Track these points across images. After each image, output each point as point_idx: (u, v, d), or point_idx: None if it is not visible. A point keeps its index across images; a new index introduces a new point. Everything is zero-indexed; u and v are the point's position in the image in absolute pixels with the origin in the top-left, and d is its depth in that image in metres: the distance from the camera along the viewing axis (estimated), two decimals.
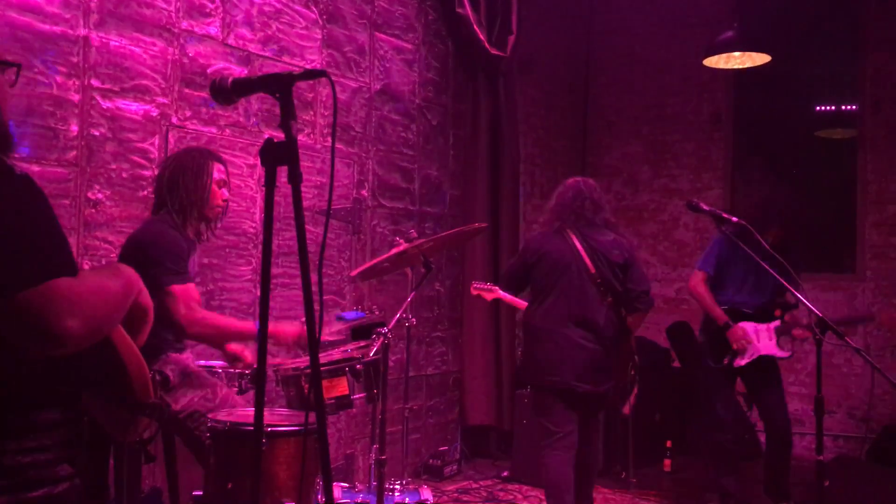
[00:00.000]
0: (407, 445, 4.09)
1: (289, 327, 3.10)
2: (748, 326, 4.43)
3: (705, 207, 4.00)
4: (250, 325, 3.09)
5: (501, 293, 4.50)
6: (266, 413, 2.18)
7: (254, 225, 4.31)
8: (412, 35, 5.45)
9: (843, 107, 6.81)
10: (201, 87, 4.00)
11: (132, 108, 3.74)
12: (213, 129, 4.11)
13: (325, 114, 4.71)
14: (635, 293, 3.97)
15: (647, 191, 7.35)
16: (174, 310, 2.87)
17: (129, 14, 3.72)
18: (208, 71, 4.06)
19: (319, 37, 4.73)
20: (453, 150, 5.85)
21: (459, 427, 5.85)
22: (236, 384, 3.29)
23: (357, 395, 3.14)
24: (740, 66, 5.82)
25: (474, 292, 4.66)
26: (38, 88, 3.37)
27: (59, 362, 1.40)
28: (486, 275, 5.57)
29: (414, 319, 3.72)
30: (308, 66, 4.57)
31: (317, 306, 1.73)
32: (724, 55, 5.59)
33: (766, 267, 3.68)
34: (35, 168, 3.33)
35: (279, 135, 1.72)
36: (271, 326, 2.74)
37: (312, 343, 1.77)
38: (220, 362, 3.61)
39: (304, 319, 3.15)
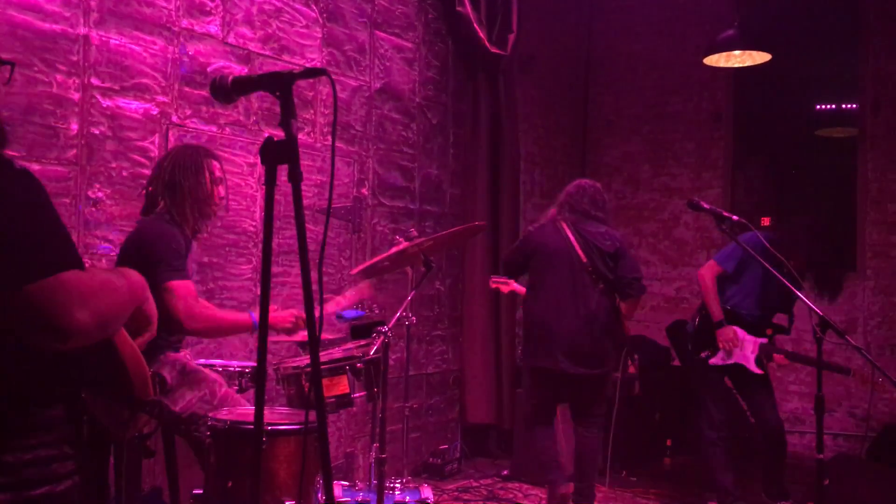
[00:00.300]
0: (407, 444, 4.10)
1: (283, 314, 3.16)
2: (739, 332, 4.45)
3: (706, 206, 4.00)
4: (246, 316, 3.11)
5: (516, 286, 4.68)
6: (266, 411, 2.18)
7: (254, 224, 4.31)
8: (412, 34, 5.45)
9: (844, 105, 6.81)
10: (201, 86, 4.00)
11: (132, 106, 3.74)
12: (214, 128, 4.11)
13: (326, 112, 4.70)
14: (626, 280, 4.14)
15: (648, 190, 7.35)
16: (173, 306, 2.88)
17: (129, 12, 3.72)
18: (208, 70, 4.06)
19: (319, 35, 4.73)
20: (453, 148, 5.85)
21: (460, 426, 5.85)
22: (236, 383, 3.30)
23: (357, 394, 3.14)
24: (740, 65, 5.82)
25: (493, 285, 4.82)
26: (38, 87, 3.37)
27: (61, 359, 1.40)
28: (487, 273, 5.56)
29: (414, 318, 3.72)
30: (308, 65, 4.57)
31: (317, 305, 1.73)
32: (724, 54, 5.59)
33: (775, 272, 3.69)
34: (35, 167, 3.33)
35: (279, 133, 1.71)
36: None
37: (313, 342, 1.77)
38: (219, 361, 3.62)
39: (296, 313, 3.18)
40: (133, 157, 3.74)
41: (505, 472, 5.40)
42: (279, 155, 1.71)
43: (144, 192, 3.20)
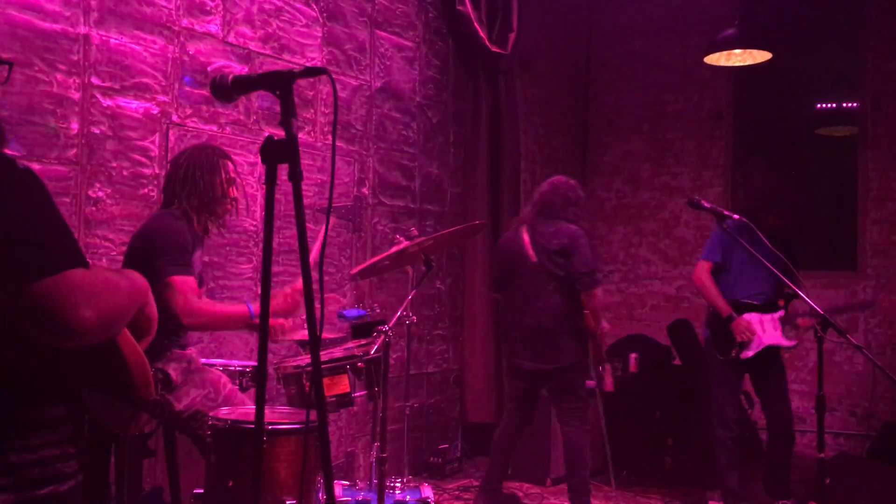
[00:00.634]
0: (408, 443, 4.10)
1: (277, 296, 3.13)
2: (752, 318, 4.41)
3: (706, 205, 4.01)
4: (243, 307, 3.11)
5: None
6: (267, 411, 2.18)
7: (254, 223, 4.31)
8: (412, 33, 5.44)
9: (844, 104, 6.81)
10: (202, 86, 4.00)
11: (132, 105, 3.74)
12: (214, 127, 4.11)
13: (326, 112, 4.70)
14: (576, 275, 4.24)
15: (648, 189, 7.34)
16: (172, 301, 2.88)
17: (130, 12, 3.72)
18: (209, 69, 4.06)
19: (320, 35, 4.73)
20: (454, 147, 5.85)
21: (460, 425, 5.85)
22: (237, 382, 3.30)
23: (358, 393, 3.14)
24: (741, 64, 5.81)
25: None
26: (39, 87, 3.37)
27: (63, 359, 1.40)
28: (487, 273, 5.57)
29: (414, 317, 3.72)
30: (308, 64, 4.57)
31: (318, 304, 1.73)
32: (724, 52, 5.59)
33: (768, 265, 3.70)
34: (36, 166, 3.33)
35: (280, 133, 1.71)
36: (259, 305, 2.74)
37: (313, 341, 1.77)
38: (220, 360, 3.62)
39: (289, 289, 3.17)
40: (133, 157, 3.74)
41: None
42: (279, 154, 1.70)
43: (163, 187, 3.23)
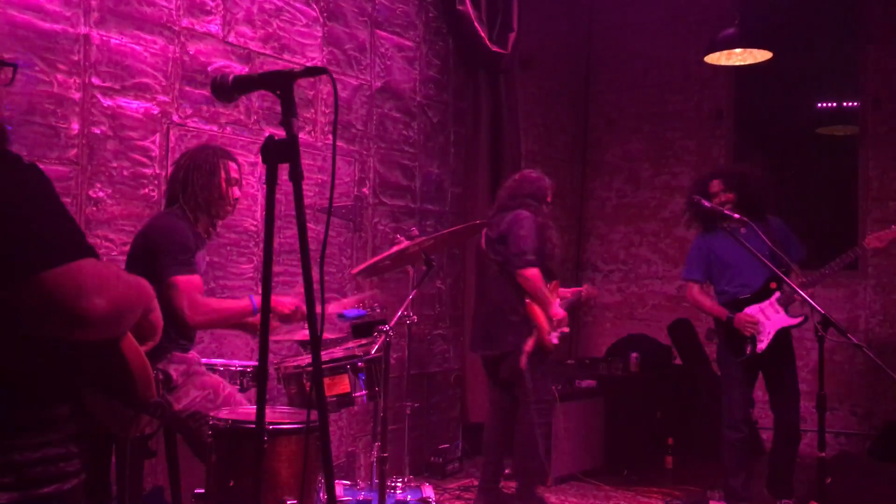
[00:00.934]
0: (408, 443, 4.09)
1: (285, 298, 3.17)
2: (752, 309, 4.40)
3: (707, 205, 4.02)
4: (246, 301, 3.12)
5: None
6: (267, 411, 2.18)
7: (255, 223, 4.31)
8: (413, 32, 5.44)
9: (844, 103, 6.80)
10: (202, 85, 4.00)
11: (133, 105, 3.74)
12: (214, 127, 4.11)
13: (326, 111, 4.70)
14: (508, 258, 4.33)
15: (649, 188, 7.34)
16: (177, 301, 2.89)
17: (130, 12, 3.72)
18: (209, 69, 4.06)
19: (320, 34, 4.72)
20: (454, 147, 5.85)
21: (461, 425, 5.85)
22: (238, 382, 3.30)
23: (358, 393, 3.14)
24: (741, 63, 5.81)
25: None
26: (39, 87, 3.37)
27: (67, 357, 1.40)
28: None
29: (415, 317, 3.72)
30: (309, 64, 4.57)
31: (318, 304, 1.73)
32: (725, 52, 5.59)
33: (766, 262, 3.71)
34: None
35: (280, 132, 1.71)
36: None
37: (314, 341, 1.77)
38: (221, 360, 3.62)
39: (299, 291, 3.18)
40: (134, 157, 3.74)
41: (507, 471, 5.40)
42: (280, 154, 1.70)
43: (166, 188, 3.24)
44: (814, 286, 4.33)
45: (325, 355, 3.09)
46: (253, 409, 2.79)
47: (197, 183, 3.11)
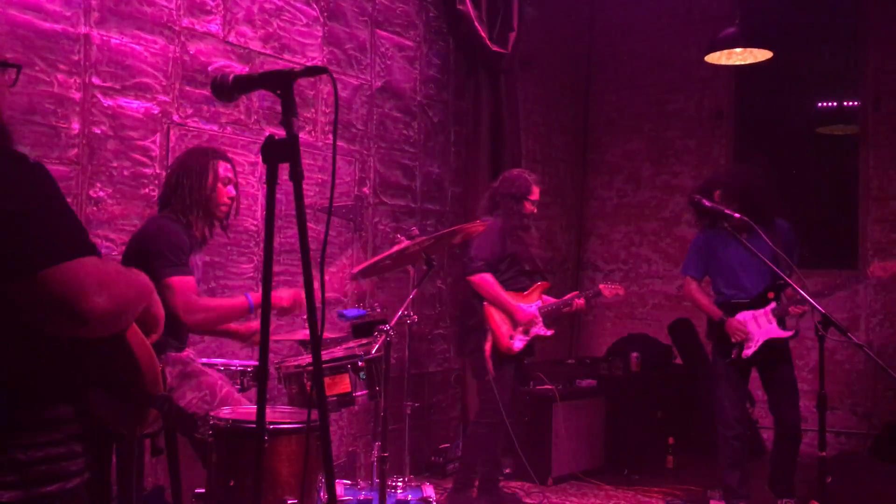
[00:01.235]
0: (409, 443, 4.09)
1: (283, 292, 3.16)
2: (744, 316, 4.40)
3: (707, 204, 4.02)
4: (242, 299, 3.12)
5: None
6: (268, 410, 2.18)
7: (255, 222, 4.31)
8: (413, 32, 5.44)
9: (845, 103, 6.80)
10: (202, 85, 4.00)
11: (133, 105, 3.74)
12: (215, 127, 4.11)
13: (327, 111, 4.70)
14: (464, 263, 4.48)
15: (649, 188, 7.34)
16: (172, 302, 2.88)
17: (130, 12, 3.72)
18: (209, 69, 4.06)
19: (320, 34, 4.73)
20: (454, 147, 5.85)
21: (461, 424, 5.84)
22: (238, 382, 3.30)
23: (359, 393, 3.14)
24: (742, 63, 5.81)
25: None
26: (40, 87, 3.37)
27: (71, 355, 1.41)
28: None
29: (416, 317, 3.72)
30: (309, 64, 4.57)
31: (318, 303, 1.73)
32: (725, 51, 5.58)
33: (767, 261, 3.71)
34: None
35: (280, 132, 1.72)
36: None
37: (315, 341, 1.77)
38: (221, 360, 3.61)
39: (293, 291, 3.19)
40: (134, 157, 3.74)
41: (507, 471, 5.40)
42: (280, 153, 1.71)
43: (160, 193, 3.24)
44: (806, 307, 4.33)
45: (325, 355, 3.09)
46: (253, 408, 2.80)
47: (186, 185, 3.10)
